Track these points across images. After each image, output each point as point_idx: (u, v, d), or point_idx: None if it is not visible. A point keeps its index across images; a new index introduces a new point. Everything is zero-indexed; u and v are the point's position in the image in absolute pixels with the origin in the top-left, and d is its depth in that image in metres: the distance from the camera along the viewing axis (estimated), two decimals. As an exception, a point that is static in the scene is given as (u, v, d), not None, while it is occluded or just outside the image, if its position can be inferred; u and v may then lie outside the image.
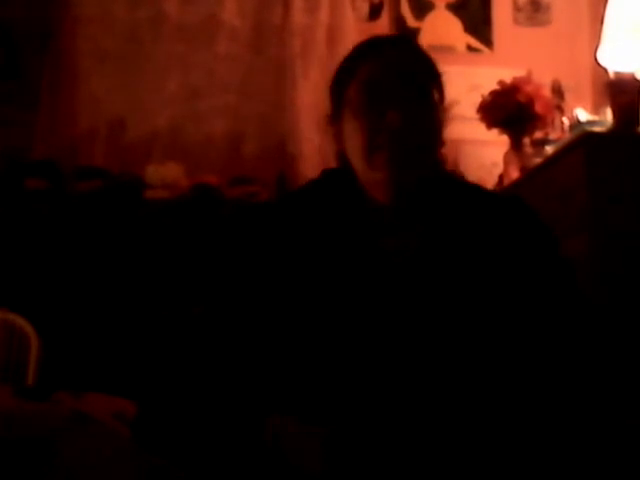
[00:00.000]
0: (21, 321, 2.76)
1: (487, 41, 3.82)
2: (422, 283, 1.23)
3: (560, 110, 3.08)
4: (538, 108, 3.06)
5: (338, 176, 1.36)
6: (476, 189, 1.39)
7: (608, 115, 2.52)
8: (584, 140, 2.35)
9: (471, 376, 1.19)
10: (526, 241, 1.29)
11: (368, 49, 1.37)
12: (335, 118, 1.35)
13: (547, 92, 3.16)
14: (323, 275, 1.25)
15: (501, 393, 1.19)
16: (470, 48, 3.81)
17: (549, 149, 2.83)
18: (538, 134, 3.09)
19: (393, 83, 1.28)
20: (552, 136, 3.00)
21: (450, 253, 1.25)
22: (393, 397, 1.19)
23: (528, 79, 3.20)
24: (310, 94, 3.58)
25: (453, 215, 1.30)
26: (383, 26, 3.78)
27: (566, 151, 2.45)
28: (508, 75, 3.25)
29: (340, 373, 1.21)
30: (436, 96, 1.33)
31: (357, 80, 1.31)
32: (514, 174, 3.05)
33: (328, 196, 1.33)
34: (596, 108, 3.25)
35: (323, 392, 1.22)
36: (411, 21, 3.79)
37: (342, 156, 1.33)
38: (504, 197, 1.41)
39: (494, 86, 3.19)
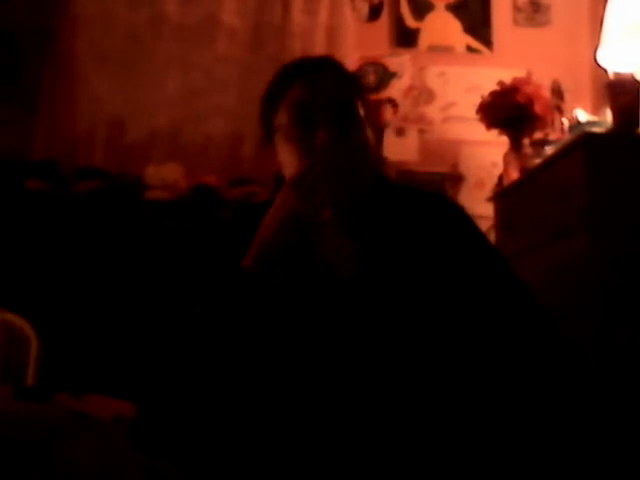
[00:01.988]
0: (21, 322, 2.76)
1: (487, 42, 3.82)
2: (364, 293, 1.26)
3: (560, 111, 3.08)
4: (538, 109, 3.06)
5: None
6: (404, 190, 1.42)
7: (608, 116, 2.52)
8: (584, 141, 2.35)
9: (421, 374, 1.22)
10: (455, 235, 1.33)
11: (292, 74, 1.39)
12: (267, 142, 1.39)
13: (547, 93, 3.16)
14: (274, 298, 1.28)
15: (450, 388, 1.22)
16: (470, 49, 3.82)
17: (549, 150, 2.83)
18: (538, 135, 3.09)
19: (318, 104, 1.31)
20: (552, 137, 3.00)
21: (386, 257, 1.28)
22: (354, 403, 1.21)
23: (528, 80, 3.19)
24: (310, 95, 3.58)
25: (386, 220, 1.33)
26: (383, 27, 3.78)
27: (566, 152, 2.45)
28: (508, 76, 3.25)
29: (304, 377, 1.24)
30: (361, 111, 1.35)
31: (284, 105, 1.35)
32: (514, 174, 3.05)
33: None
34: (596, 109, 3.25)
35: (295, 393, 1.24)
36: (410, 22, 3.80)
37: (280, 176, 1.37)
38: (430, 195, 1.42)
39: (494, 87, 3.19)
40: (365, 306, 1.25)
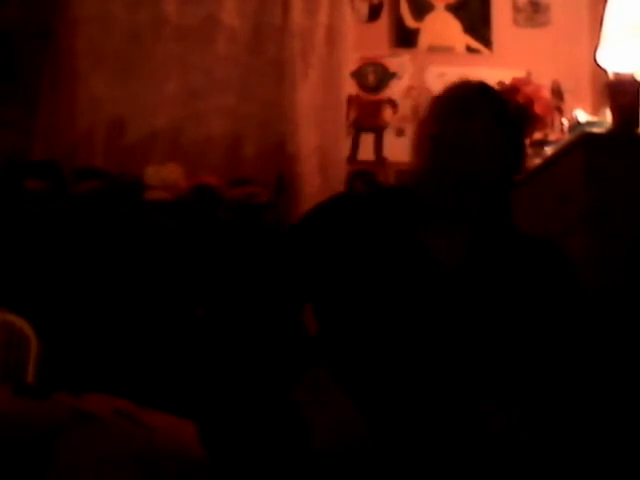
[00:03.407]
0: (21, 322, 2.76)
1: (486, 42, 3.82)
2: (461, 287, 1.40)
3: (559, 111, 3.08)
4: (537, 109, 3.06)
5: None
6: (516, 229, 1.59)
7: (607, 116, 2.52)
8: (583, 141, 2.35)
9: (489, 372, 1.35)
10: (553, 277, 1.49)
11: (456, 105, 1.54)
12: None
13: (546, 93, 3.16)
14: (377, 268, 1.40)
15: (510, 389, 1.35)
16: (469, 49, 3.81)
17: (548, 150, 2.83)
18: (537, 135, 3.09)
19: (456, 97, 1.53)
20: (551, 137, 3.00)
21: (489, 267, 1.44)
22: (422, 386, 1.31)
23: (527, 80, 3.20)
24: (309, 95, 3.58)
25: (496, 239, 1.50)
26: (382, 27, 3.78)
27: (565, 152, 2.45)
28: (507, 76, 3.25)
29: (379, 361, 1.33)
30: (496, 125, 1.51)
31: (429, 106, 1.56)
32: (513, 175, 3.04)
33: (395, 201, 1.54)
34: (595, 109, 3.25)
35: (362, 379, 1.33)
36: (410, 22, 3.80)
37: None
38: (539, 238, 1.60)
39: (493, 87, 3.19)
40: (463, 290, 1.40)
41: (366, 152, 3.67)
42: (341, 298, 1.39)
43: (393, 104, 3.70)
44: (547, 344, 1.41)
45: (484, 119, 1.50)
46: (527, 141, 3.10)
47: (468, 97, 1.52)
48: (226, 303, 1.44)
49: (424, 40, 3.78)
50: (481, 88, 1.58)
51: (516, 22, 3.87)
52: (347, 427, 1.25)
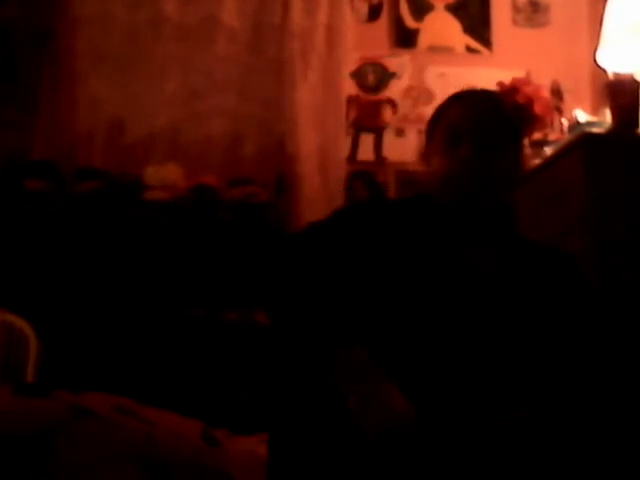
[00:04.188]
0: (21, 322, 2.76)
1: (486, 42, 3.82)
2: (496, 291, 1.48)
3: (559, 111, 3.08)
4: (537, 109, 3.06)
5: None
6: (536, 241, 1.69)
7: (607, 116, 2.52)
8: (583, 141, 2.36)
9: (513, 370, 1.41)
10: (571, 288, 1.56)
11: (453, 99, 1.69)
12: (426, 156, 1.64)
13: (546, 93, 3.16)
14: (418, 270, 1.46)
15: (532, 386, 1.41)
16: (469, 49, 3.82)
17: (548, 150, 2.83)
18: (537, 135, 3.09)
19: (469, 123, 1.56)
20: (551, 137, 3.00)
21: (518, 274, 1.52)
22: (455, 378, 1.37)
23: (527, 80, 3.20)
24: (309, 95, 3.58)
25: (520, 247, 1.59)
26: (382, 27, 3.79)
27: (565, 152, 2.45)
28: (507, 76, 3.25)
29: (416, 355, 1.37)
30: (507, 139, 1.59)
31: (441, 124, 1.64)
32: (513, 175, 3.05)
33: (430, 209, 1.59)
34: (595, 109, 3.25)
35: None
36: (410, 22, 3.80)
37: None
38: (560, 252, 1.67)
39: (493, 87, 3.19)
40: (502, 293, 1.48)
41: (366, 152, 3.67)
42: (382, 297, 1.42)
43: (393, 104, 3.71)
44: (571, 348, 1.48)
45: (499, 137, 1.56)
46: (527, 141, 3.11)
47: (481, 113, 1.59)
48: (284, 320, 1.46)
49: (424, 40, 3.78)
50: (492, 102, 1.66)
51: (515, 22, 3.87)
52: (396, 413, 1.26)
